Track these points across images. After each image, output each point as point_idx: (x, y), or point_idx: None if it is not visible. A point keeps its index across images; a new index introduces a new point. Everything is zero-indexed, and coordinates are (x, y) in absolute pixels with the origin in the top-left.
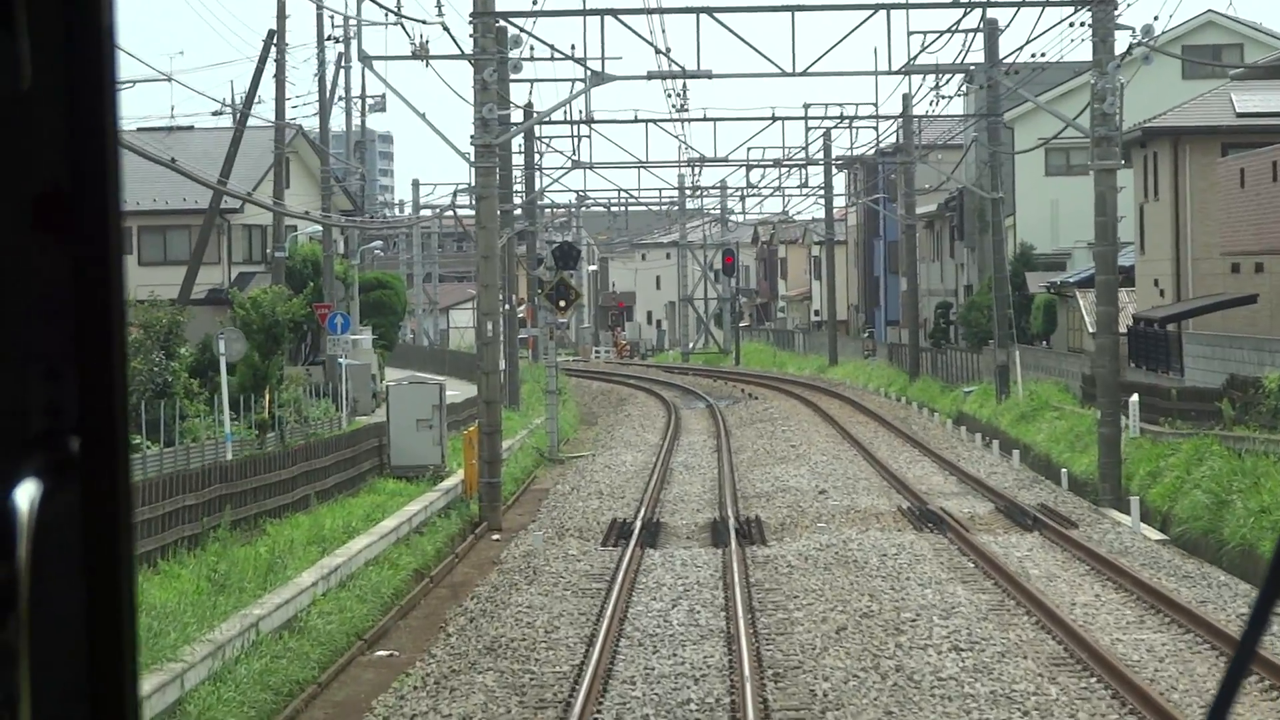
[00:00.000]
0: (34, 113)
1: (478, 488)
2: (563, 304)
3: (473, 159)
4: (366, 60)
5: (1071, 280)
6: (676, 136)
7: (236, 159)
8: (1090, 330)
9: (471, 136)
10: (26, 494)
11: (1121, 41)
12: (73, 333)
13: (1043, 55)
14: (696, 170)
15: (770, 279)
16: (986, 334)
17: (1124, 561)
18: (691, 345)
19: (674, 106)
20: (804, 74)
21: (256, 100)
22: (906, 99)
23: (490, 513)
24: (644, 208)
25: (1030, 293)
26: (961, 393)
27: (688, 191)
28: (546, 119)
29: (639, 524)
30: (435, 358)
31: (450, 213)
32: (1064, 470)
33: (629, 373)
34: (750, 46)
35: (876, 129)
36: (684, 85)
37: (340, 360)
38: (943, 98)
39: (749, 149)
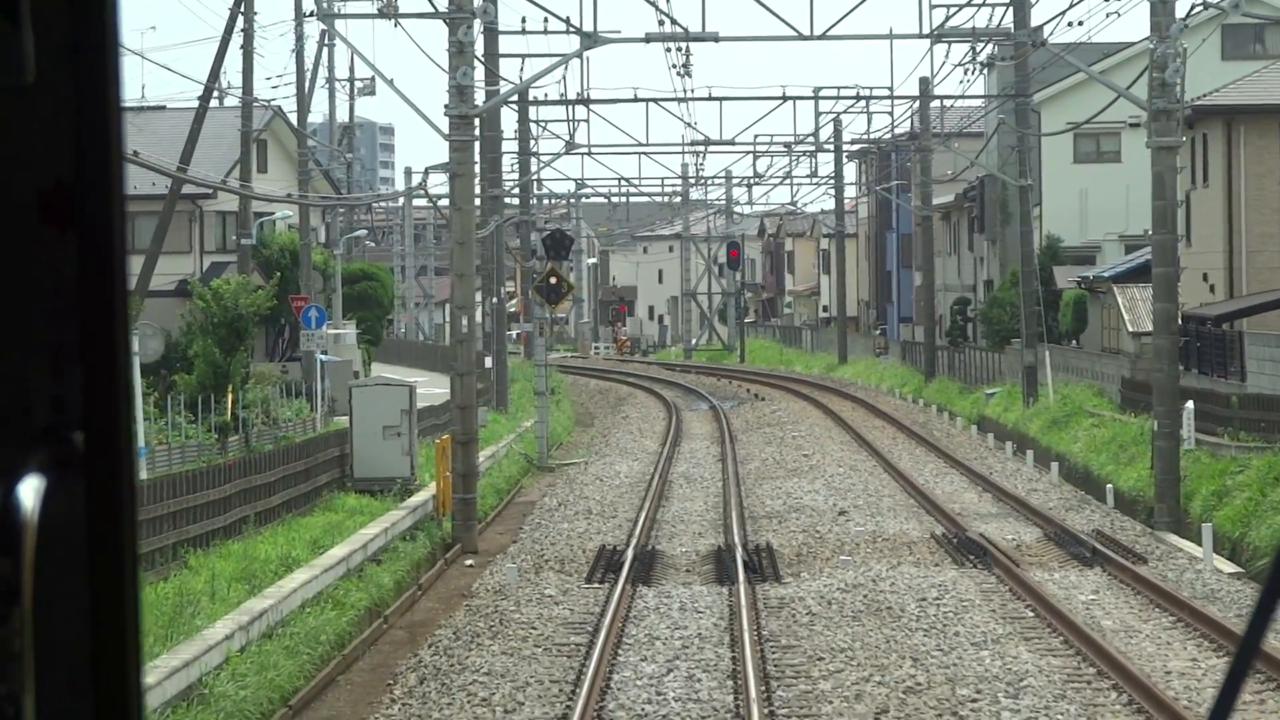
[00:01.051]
0: (39, 106)
1: (451, 504)
2: (554, 297)
3: (448, 132)
4: (328, 19)
5: (1105, 274)
6: (680, 117)
7: (211, 141)
8: (1130, 329)
9: (446, 106)
10: (31, 489)
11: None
12: (78, 327)
13: (1079, 23)
14: (701, 159)
15: (777, 273)
16: (1009, 332)
17: (1215, 613)
18: (695, 342)
19: (677, 71)
20: (821, 38)
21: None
22: (924, 81)
23: (464, 533)
24: (646, 198)
25: (1058, 288)
26: (983, 395)
27: (691, 181)
28: (534, 85)
29: (630, 553)
30: (427, 353)
31: (422, 191)
32: (1109, 486)
33: (629, 370)
34: (762, 5)
35: (891, 112)
36: (687, 53)
37: (319, 356)
38: (965, 67)
39: (756, 137)
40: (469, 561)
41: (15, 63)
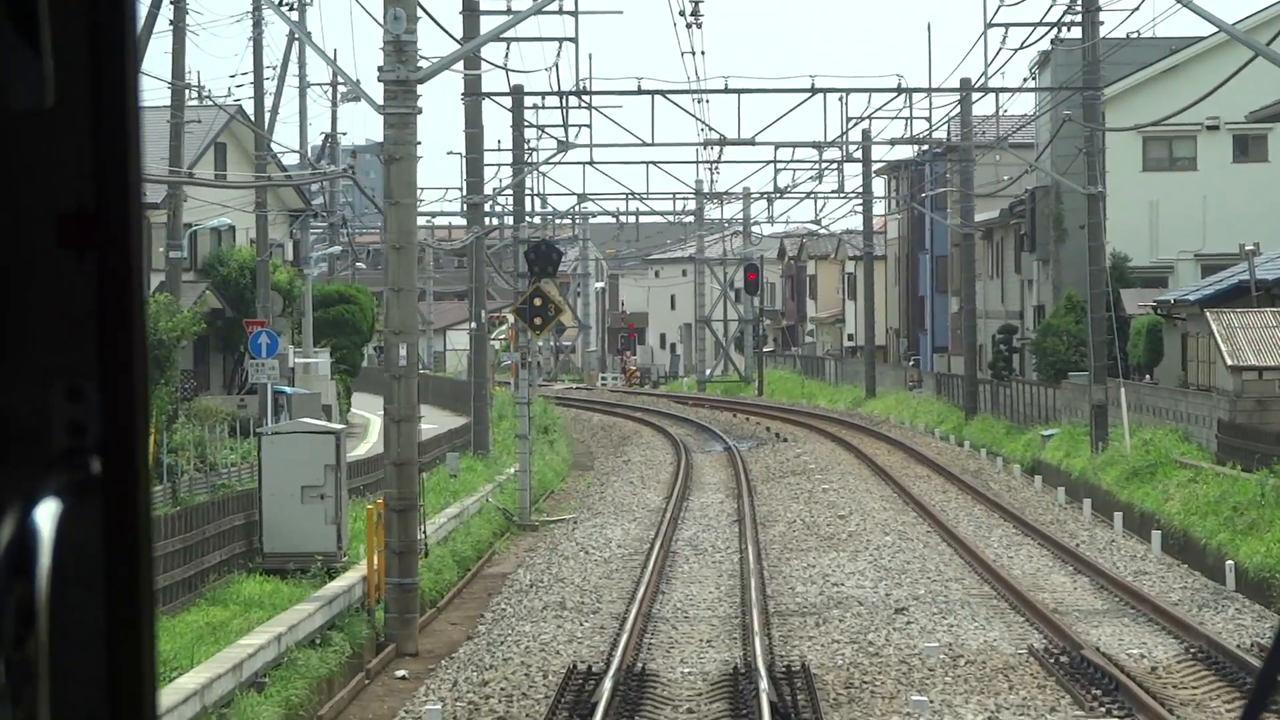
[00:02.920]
0: (58, 131)
1: (384, 590)
2: (539, 321)
3: (381, 102)
4: None
5: (1190, 298)
6: (692, 114)
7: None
8: (1228, 362)
9: (380, 69)
10: (48, 513)
11: None
12: (95, 351)
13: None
14: (715, 169)
15: (798, 298)
16: (1065, 364)
17: None
18: (709, 372)
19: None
20: None
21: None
22: (965, 82)
23: (400, 629)
24: (656, 216)
25: (1126, 314)
26: (1038, 436)
27: (706, 196)
28: (524, 72)
29: (609, 684)
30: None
31: (350, 174)
32: (1229, 563)
33: (637, 403)
34: None
35: (929, 117)
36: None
37: (281, 389)
38: (1020, 50)
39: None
40: (401, 672)
41: (35, 87)
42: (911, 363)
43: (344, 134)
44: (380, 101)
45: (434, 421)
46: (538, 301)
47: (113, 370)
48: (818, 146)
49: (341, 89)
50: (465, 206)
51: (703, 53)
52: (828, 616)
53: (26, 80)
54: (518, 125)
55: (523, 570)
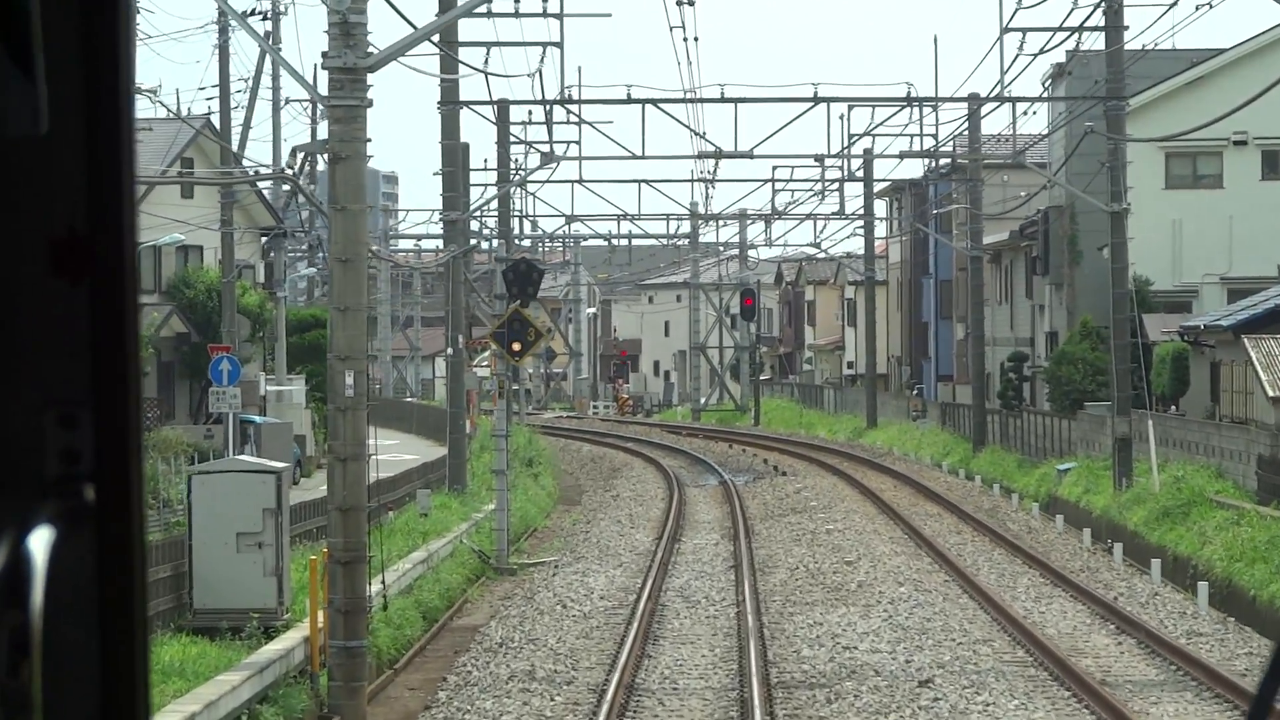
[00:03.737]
0: (52, 157)
1: (328, 655)
2: (518, 346)
3: (326, 93)
4: None
5: (1223, 324)
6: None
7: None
8: (1270, 393)
9: (324, 54)
10: (41, 541)
11: None
12: (89, 378)
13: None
14: (710, 187)
15: (795, 325)
16: (1081, 394)
17: None
18: (704, 401)
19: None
20: None
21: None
22: (974, 98)
23: (346, 699)
24: (650, 240)
25: (1149, 341)
26: (1054, 471)
27: (701, 218)
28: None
29: None
30: (401, 412)
31: (291, 174)
32: None
33: (628, 433)
34: None
35: (936, 133)
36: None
37: (252, 418)
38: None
39: (775, 169)
40: None
41: (30, 114)
42: (915, 392)
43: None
44: (325, 92)
45: (415, 451)
46: (517, 325)
47: (106, 397)
48: (819, 159)
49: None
50: (443, 224)
51: (696, 39)
52: (840, 690)
53: (21, 106)
54: (503, 141)
55: (495, 623)
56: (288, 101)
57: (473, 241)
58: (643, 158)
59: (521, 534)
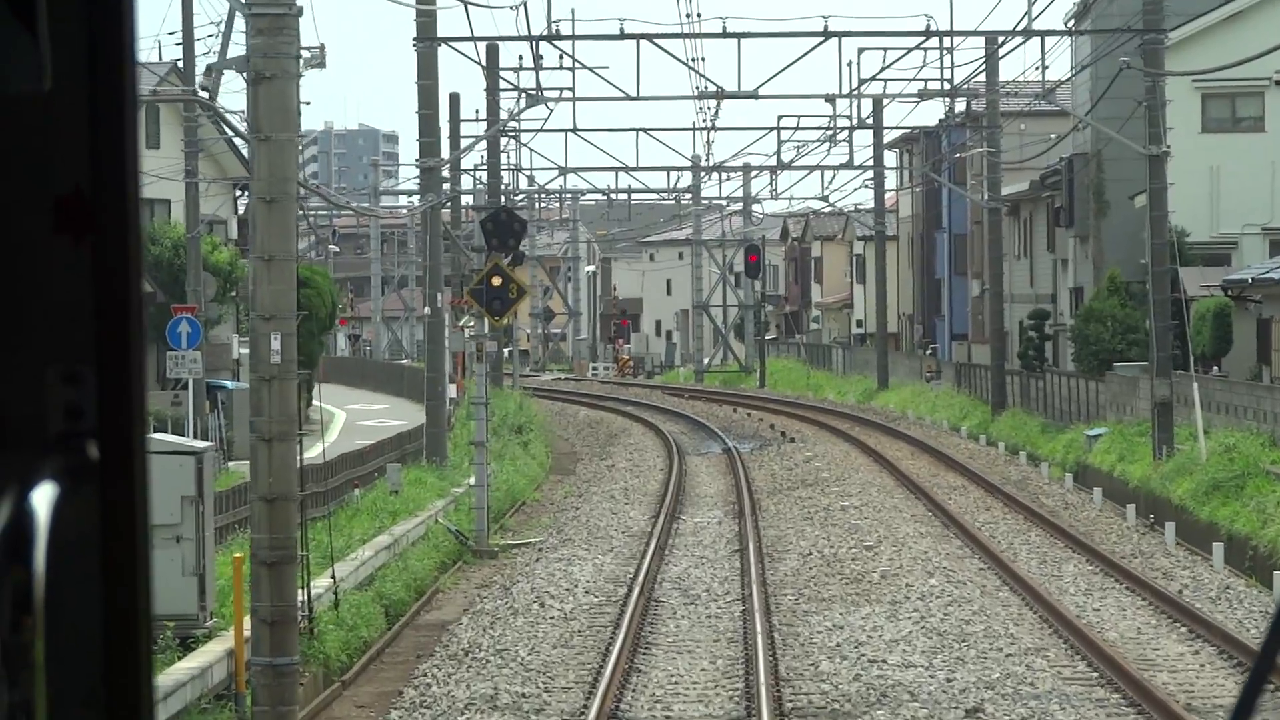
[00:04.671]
0: (55, 115)
1: (253, 674)
2: (498, 304)
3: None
4: None
5: (1274, 276)
6: (685, 61)
7: None
8: None
9: None
10: (44, 497)
11: None
12: (92, 336)
13: None
14: (710, 135)
15: (802, 283)
16: (1110, 354)
17: None
18: (706, 362)
19: None
20: None
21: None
22: (990, 40)
23: None
24: (651, 194)
25: (1188, 296)
26: (1083, 436)
27: (703, 171)
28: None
29: None
30: (392, 375)
31: (203, 97)
32: None
33: (628, 396)
34: None
35: (951, 78)
36: None
37: (223, 383)
38: None
39: (780, 122)
40: None
41: (33, 70)
42: (929, 351)
43: (307, 103)
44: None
45: (405, 416)
46: (496, 281)
47: (110, 355)
48: (830, 99)
49: (304, 54)
50: (420, 171)
51: None
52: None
53: (23, 63)
54: (492, 87)
55: (466, 620)
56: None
57: (453, 192)
58: (637, 98)
59: (507, 510)
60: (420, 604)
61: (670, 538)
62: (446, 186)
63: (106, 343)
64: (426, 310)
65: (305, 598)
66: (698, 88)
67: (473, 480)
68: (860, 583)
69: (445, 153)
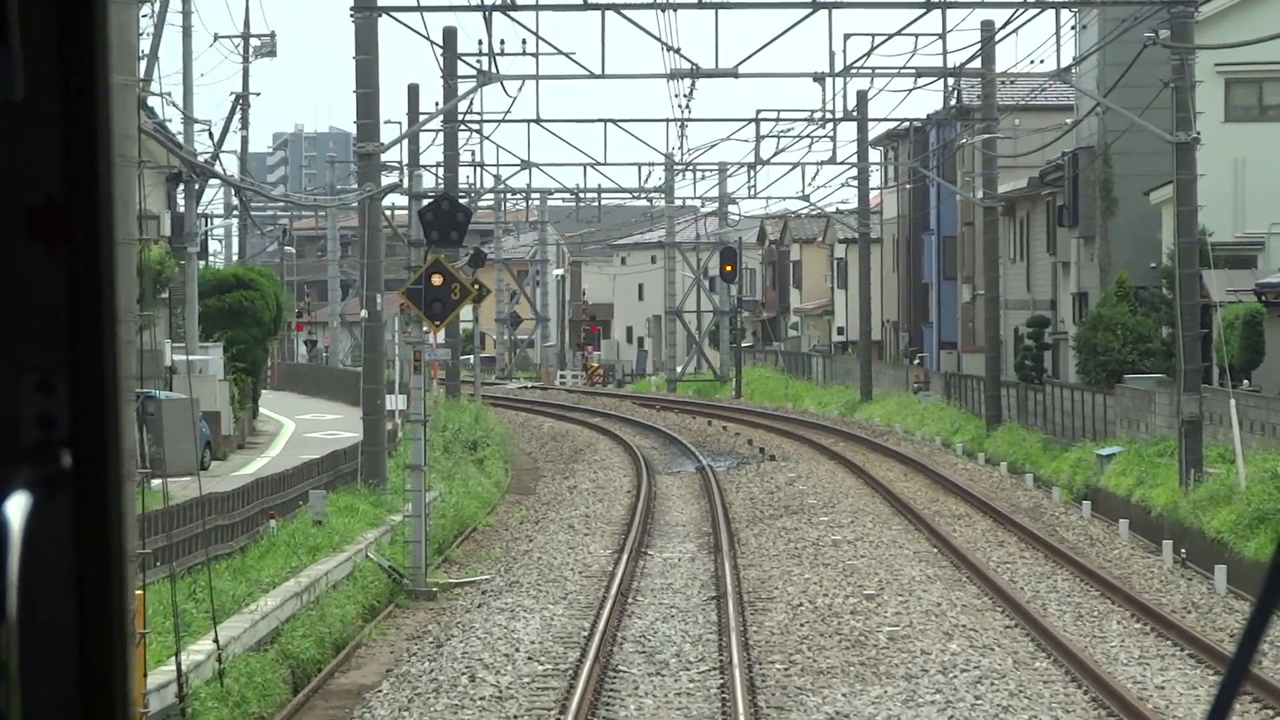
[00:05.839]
0: (27, 123)
1: None
2: (438, 307)
3: None
4: None
5: None
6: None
7: None
8: None
9: None
10: (17, 506)
11: None
12: (66, 344)
13: None
14: (686, 110)
15: (780, 287)
16: (1119, 365)
17: None
18: (680, 370)
19: None
20: None
21: None
22: (987, 24)
23: None
24: (622, 195)
25: (1213, 300)
26: (1092, 456)
27: (678, 167)
28: None
29: None
30: (348, 382)
31: None
32: None
33: (596, 406)
34: None
35: (945, 65)
36: None
37: (154, 393)
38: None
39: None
40: None
41: (4, 79)
42: (916, 361)
43: (257, 94)
44: None
45: (357, 429)
46: (437, 280)
47: (84, 363)
48: (818, 78)
49: (254, 42)
50: (356, 157)
51: None
52: None
53: None
54: (449, 72)
55: (388, 685)
56: (219, 38)
57: (393, 181)
58: (603, 76)
59: (454, 538)
60: (336, 663)
61: (635, 579)
62: (405, 183)
63: (80, 352)
64: (364, 313)
65: (215, 646)
66: (672, 67)
67: (410, 508)
68: (864, 647)
69: (403, 148)
